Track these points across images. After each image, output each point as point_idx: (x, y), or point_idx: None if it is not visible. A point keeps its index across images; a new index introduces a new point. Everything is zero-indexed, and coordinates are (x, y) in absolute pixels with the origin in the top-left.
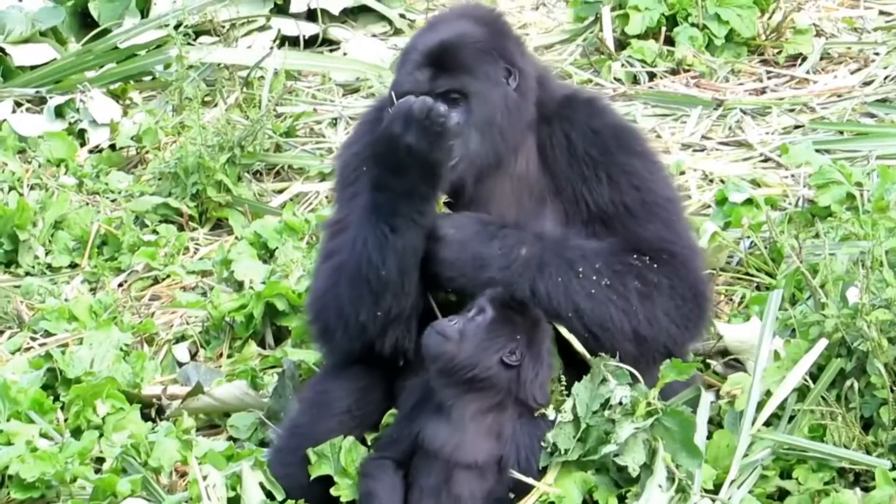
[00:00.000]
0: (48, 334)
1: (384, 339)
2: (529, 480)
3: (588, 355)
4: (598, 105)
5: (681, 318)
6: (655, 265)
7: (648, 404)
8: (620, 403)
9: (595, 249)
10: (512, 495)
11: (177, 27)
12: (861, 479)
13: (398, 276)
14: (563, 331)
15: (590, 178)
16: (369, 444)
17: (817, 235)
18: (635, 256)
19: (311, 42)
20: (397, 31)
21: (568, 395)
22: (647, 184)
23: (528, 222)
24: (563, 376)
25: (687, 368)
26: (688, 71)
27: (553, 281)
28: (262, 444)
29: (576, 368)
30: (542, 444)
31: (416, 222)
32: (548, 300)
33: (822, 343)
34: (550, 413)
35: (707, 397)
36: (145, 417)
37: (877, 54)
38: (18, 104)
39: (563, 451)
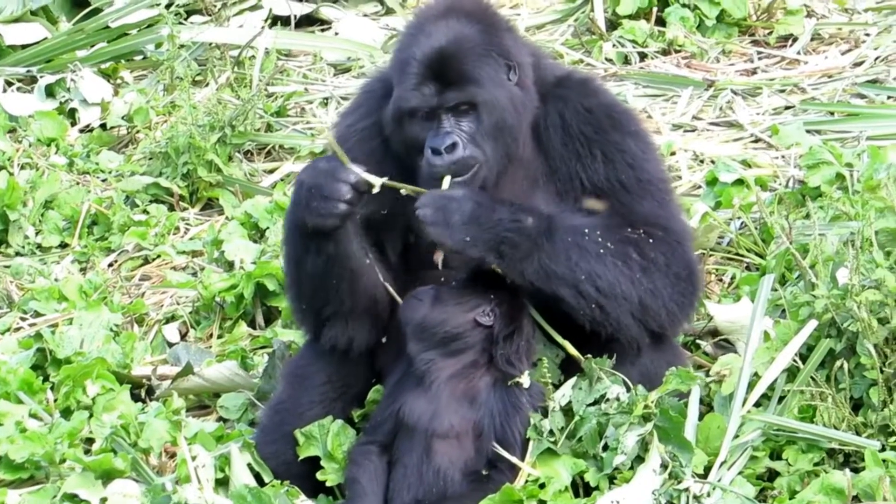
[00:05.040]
0: (38, 314)
1: (321, 332)
2: (515, 460)
3: (580, 355)
4: (592, 85)
5: (677, 296)
6: (651, 240)
7: (646, 407)
8: (618, 399)
9: (592, 222)
10: (485, 472)
11: (168, 6)
12: (851, 460)
13: (314, 288)
14: (556, 335)
15: (584, 156)
16: (356, 420)
17: (807, 216)
18: (630, 230)
19: (302, 22)
20: (389, 11)
21: (550, 375)
22: (640, 163)
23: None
24: (545, 358)
25: (689, 378)
26: (679, 51)
27: (565, 243)
28: (252, 424)
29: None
30: (533, 424)
31: (327, 251)
32: (566, 260)
33: (812, 324)
34: (525, 381)
35: (697, 392)
36: (135, 398)
37: (867, 35)
38: (9, 83)
39: (555, 434)
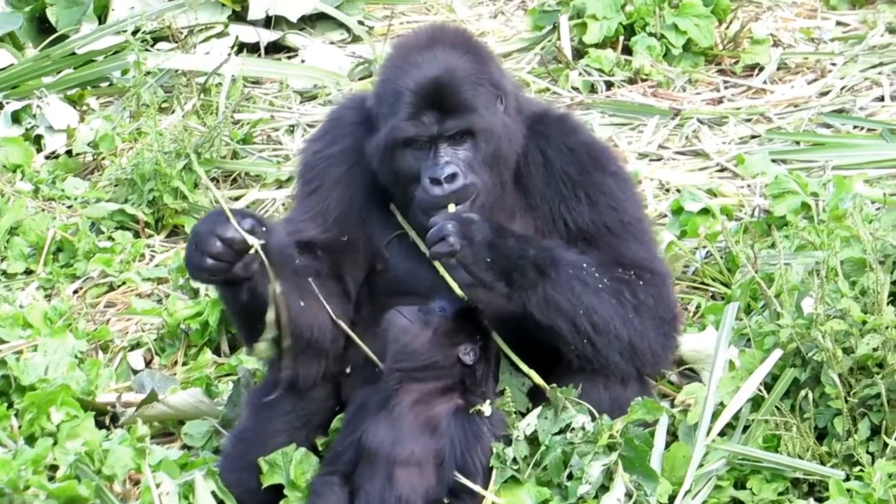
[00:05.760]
0: (2, 341)
1: (268, 366)
2: (478, 488)
3: (545, 385)
4: (572, 122)
5: (661, 338)
6: (641, 282)
7: (611, 436)
8: (583, 429)
9: (587, 259)
10: (447, 500)
11: (134, 33)
12: (815, 490)
13: (247, 328)
14: (522, 365)
15: (568, 197)
16: (320, 448)
17: (773, 245)
18: (621, 270)
19: (268, 49)
20: (355, 39)
21: (513, 405)
22: (622, 204)
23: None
24: (509, 387)
25: (655, 409)
26: (645, 80)
27: (568, 275)
28: (217, 451)
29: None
30: (495, 453)
31: (240, 299)
32: (569, 292)
33: (777, 353)
34: (486, 410)
35: (664, 421)
36: (100, 425)
37: (833, 65)
38: None
39: (518, 463)
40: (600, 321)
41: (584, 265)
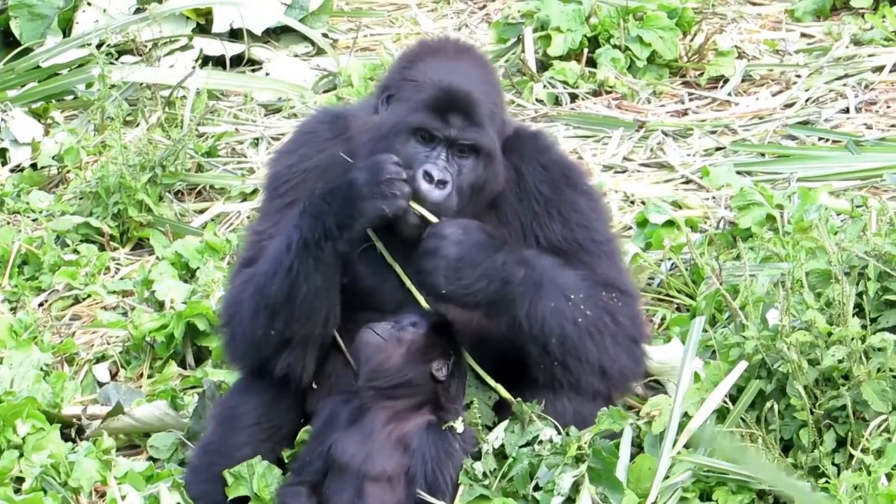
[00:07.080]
0: None
1: (278, 359)
2: None
3: (512, 398)
4: (546, 141)
5: (633, 359)
6: (619, 304)
7: (579, 448)
8: (551, 441)
9: (578, 282)
10: None
11: (99, 46)
12: (781, 502)
13: (302, 309)
14: (489, 378)
15: (541, 214)
16: (286, 461)
17: (738, 257)
18: (604, 293)
19: (233, 62)
20: (320, 52)
21: (481, 419)
22: (593, 223)
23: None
24: (476, 400)
25: (621, 417)
26: (609, 92)
27: (547, 304)
28: (182, 464)
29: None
30: (464, 468)
31: (332, 262)
32: (541, 321)
33: (742, 365)
34: (458, 426)
35: (629, 432)
36: (65, 437)
37: (798, 76)
38: None
39: (487, 477)
40: (572, 350)
41: (571, 295)
